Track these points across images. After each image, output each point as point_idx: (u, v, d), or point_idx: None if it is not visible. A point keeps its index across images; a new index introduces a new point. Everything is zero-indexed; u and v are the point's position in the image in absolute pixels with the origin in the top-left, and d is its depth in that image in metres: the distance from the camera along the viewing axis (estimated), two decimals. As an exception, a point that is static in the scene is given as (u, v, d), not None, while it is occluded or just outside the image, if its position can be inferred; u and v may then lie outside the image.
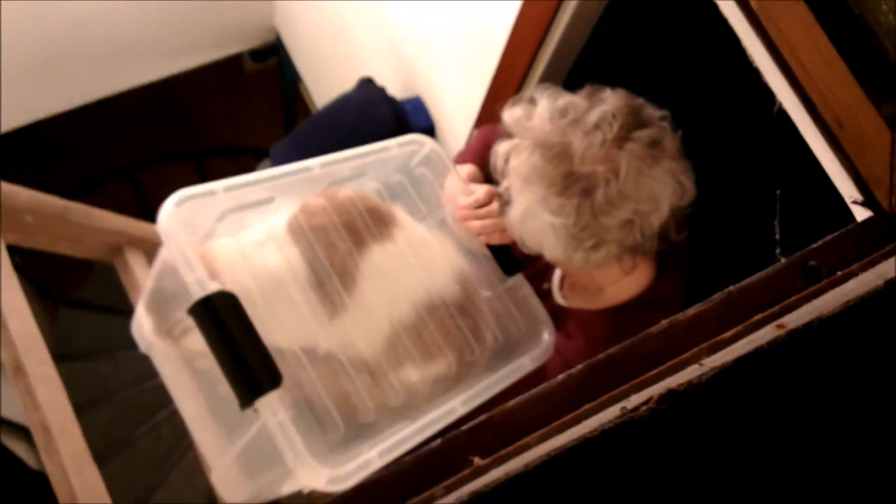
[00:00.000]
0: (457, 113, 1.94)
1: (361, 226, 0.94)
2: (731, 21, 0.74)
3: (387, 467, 0.54)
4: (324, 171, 0.96)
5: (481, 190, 1.04)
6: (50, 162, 3.26)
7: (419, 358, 0.91)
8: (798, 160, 0.75)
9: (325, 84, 2.79)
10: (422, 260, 0.96)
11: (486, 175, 1.14)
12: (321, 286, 0.88)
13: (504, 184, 0.98)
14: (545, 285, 1.15)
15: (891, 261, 0.60)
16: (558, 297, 1.14)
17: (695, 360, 0.63)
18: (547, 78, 1.54)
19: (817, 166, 0.73)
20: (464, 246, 1.05)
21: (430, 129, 2.13)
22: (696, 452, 0.32)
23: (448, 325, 0.94)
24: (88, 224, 1.26)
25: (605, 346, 0.74)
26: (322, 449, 0.77)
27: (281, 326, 0.85)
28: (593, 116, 0.90)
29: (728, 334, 0.64)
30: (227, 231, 0.89)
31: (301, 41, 2.85)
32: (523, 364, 0.98)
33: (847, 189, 0.69)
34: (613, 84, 1.11)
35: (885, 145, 0.62)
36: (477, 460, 0.55)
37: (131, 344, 1.15)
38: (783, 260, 0.67)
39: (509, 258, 1.05)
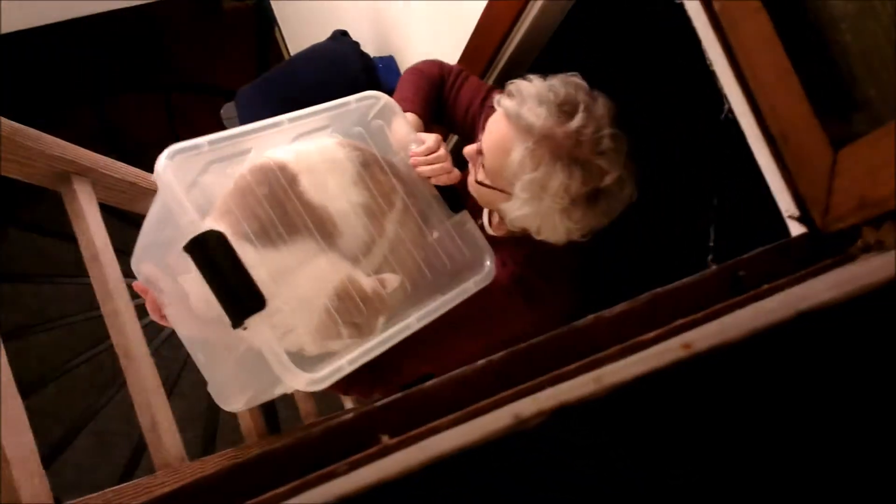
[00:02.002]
0: (429, 77, 1.91)
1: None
2: (693, 21, 0.74)
3: (293, 438, 0.54)
4: (292, 125, 1.09)
5: (431, 139, 1.19)
6: (14, 80, 3.16)
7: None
8: (743, 167, 0.75)
9: (300, 31, 2.73)
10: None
11: (426, 121, 1.32)
12: (266, 232, 1.00)
13: (517, 184, 1.12)
14: (478, 221, 1.31)
15: (814, 282, 0.60)
16: (489, 230, 1.34)
17: (617, 357, 0.63)
18: (519, 54, 1.52)
19: (760, 176, 0.73)
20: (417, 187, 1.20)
21: (401, 90, 2.10)
22: (574, 476, 0.32)
23: (403, 256, 1.12)
24: (37, 149, 1.23)
25: (527, 263, 1.19)
26: (301, 359, 0.95)
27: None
28: (605, 129, 1.07)
29: (651, 335, 0.65)
30: (211, 180, 1.02)
31: (281, -16, 2.78)
32: (468, 287, 1.14)
33: (785, 203, 0.70)
34: (576, 69, 1.13)
35: (825, 165, 0.63)
36: (385, 439, 0.54)
37: (79, 271, 1.21)
38: (714, 267, 0.67)
39: (455, 198, 1.21)
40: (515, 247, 1.26)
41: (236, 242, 0.94)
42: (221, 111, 2.02)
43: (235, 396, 1.14)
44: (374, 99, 1.20)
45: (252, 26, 3.24)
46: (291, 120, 1.08)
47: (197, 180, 1.02)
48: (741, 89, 0.69)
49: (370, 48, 2.12)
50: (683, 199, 1.34)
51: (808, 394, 0.36)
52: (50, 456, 2.69)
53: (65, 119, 3.13)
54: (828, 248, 0.69)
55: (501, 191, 1.16)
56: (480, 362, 0.64)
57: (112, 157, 1.44)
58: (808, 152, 0.64)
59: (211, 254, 0.90)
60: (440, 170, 1.18)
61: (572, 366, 0.52)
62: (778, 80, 0.64)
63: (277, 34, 2.93)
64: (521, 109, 1.09)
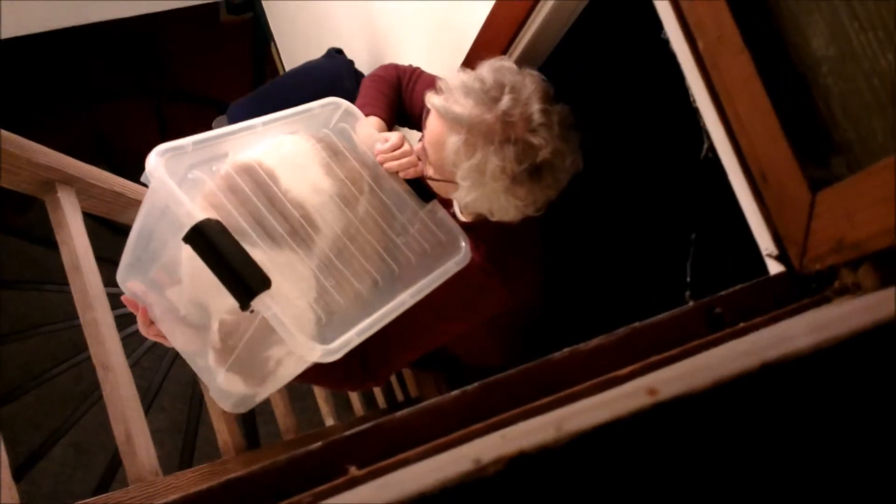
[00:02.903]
0: (421, 97, 1.92)
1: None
2: (679, 58, 0.74)
3: (260, 466, 0.53)
4: (265, 128, 1.17)
5: (394, 136, 1.27)
6: (5, 85, 3.15)
7: (366, 264, 1.16)
8: (725, 204, 0.75)
9: (295, 47, 2.74)
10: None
11: (389, 123, 1.41)
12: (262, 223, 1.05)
13: (459, 173, 1.17)
14: (450, 210, 1.37)
15: (790, 322, 0.60)
16: (460, 217, 1.39)
17: (590, 392, 0.63)
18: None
19: (741, 213, 0.74)
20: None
21: (393, 109, 2.10)
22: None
23: (382, 239, 1.21)
24: (22, 156, 1.22)
25: (497, 242, 1.27)
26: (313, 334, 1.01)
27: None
28: (534, 105, 1.11)
29: (626, 370, 0.65)
30: (193, 182, 1.05)
31: (278, 0, 2.79)
32: (449, 267, 1.22)
33: (764, 241, 0.70)
34: (566, 93, 1.15)
35: (804, 206, 0.63)
36: (353, 470, 0.54)
37: (65, 279, 1.22)
38: (691, 303, 0.67)
39: (424, 189, 1.30)
40: (485, 229, 1.32)
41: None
42: (213, 124, 2.02)
43: (238, 397, 1.18)
44: (334, 105, 1.31)
45: (248, 41, 3.24)
46: (264, 123, 1.17)
47: (186, 177, 1.05)
48: (723, 128, 0.70)
49: (365, 67, 2.13)
50: (663, 233, 1.37)
51: (773, 449, 0.36)
52: (27, 464, 2.66)
53: (55, 126, 3.12)
54: (806, 288, 0.69)
55: (449, 182, 1.22)
56: (454, 393, 0.64)
57: (101, 166, 1.43)
58: (787, 193, 0.64)
59: (212, 240, 0.92)
60: (407, 164, 1.26)
61: (539, 402, 0.52)
62: (758, 121, 0.64)
63: (273, 49, 2.93)
64: (447, 103, 1.15)
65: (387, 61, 2.08)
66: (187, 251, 0.96)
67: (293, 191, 1.10)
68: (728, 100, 0.67)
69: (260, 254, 0.99)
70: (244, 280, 0.91)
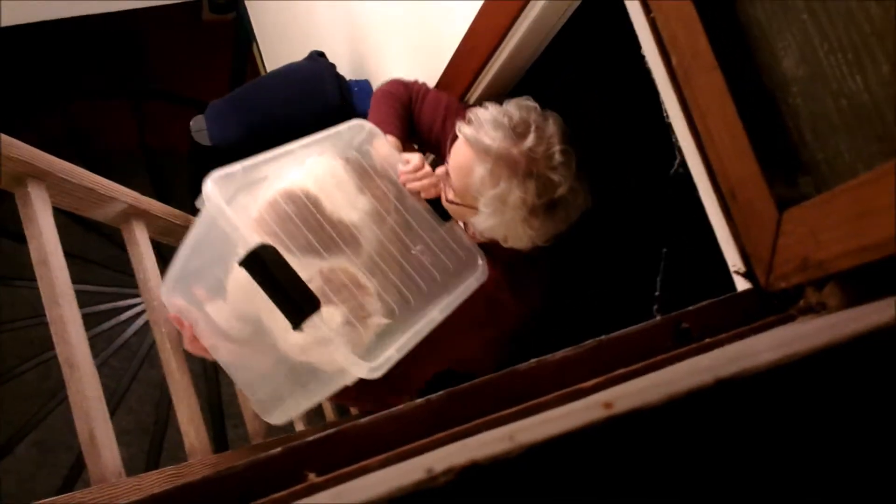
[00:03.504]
0: (401, 103, 1.92)
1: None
2: (654, 74, 0.75)
3: (217, 471, 0.52)
4: (301, 152, 1.24)
5: (416, 157, 1.34)
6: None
7: (398, 282, 1.21)
8: (695, 219, 0.76)
9: (277, 49, 2.73)
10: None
11: (403, 141, 1.45)
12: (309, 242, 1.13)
13: (481, 200, 1.24)
14: (468, 231, 1.43)
15: (754, 339, 0.61)
16: (476, 237, 1.43)
17: (555, 404, 0.63)
18: (494, 86, 1.53)
19: (711, 229, 0.74)
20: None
21: (374, 115, 2.10)
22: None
23: (408, 256, 1.27)
24: (-8, 149, 1.21)
25: (509, 268, 1.35)
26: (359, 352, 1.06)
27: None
28: (556, 146, 1.19)
29: (591, 383, 0.65)
30: (240, 205, 1.12)
31: (261, 1, 2.78)
32: (470, 283, 1.28)
33: (732, 258, 0.70)
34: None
35: (770, 224, 0.63)
36: (312, 476, 0.53)
37: (21, 275, 1.20)
38: (658, 317, 0.67)
39: (443, 208, 1.35)
40: (498, 249, 1.38)
41: (287, 255, 1.03)
42: (191, 123, 2.00)
43: (280, 409, 1.23)
44: (359, 126, 1.36)
45: (230, 41, 3.22)
46: (300, 147, 1.24)
47: (232, 202, 1.10)
48: (695, 144, 0.70)
49: (346, 71, 2.13)
50: (634, 246, 1.40)
51: (725, 464, 0.36)
52: (-11, 462, 2.61)
53: (32, 121, 3.08)
54: (772, 305, 0.69)
55: (469, 207, 1.28)
56: (419, 401, 0.64)
57: (77, 162, 1.41)
58: (755, 211, 0.64)
59: (266, 265, 0.99)
60: (428, 185, 1.33)
61: (504, 412, 0.51)
62: (729, 138, 0.65)
63: (255, 50, 2.92)
64: (478, 134, 1.22)
65: (369, 66, 2.08)
66: (239, 272, 1.01)
67: (335, 212, 1.20)
68: (700, 116, 0.68)
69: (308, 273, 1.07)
70: (296, 302, 0.98)
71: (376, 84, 2.06)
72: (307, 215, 1.15)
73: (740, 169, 0.64)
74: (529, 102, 1.26)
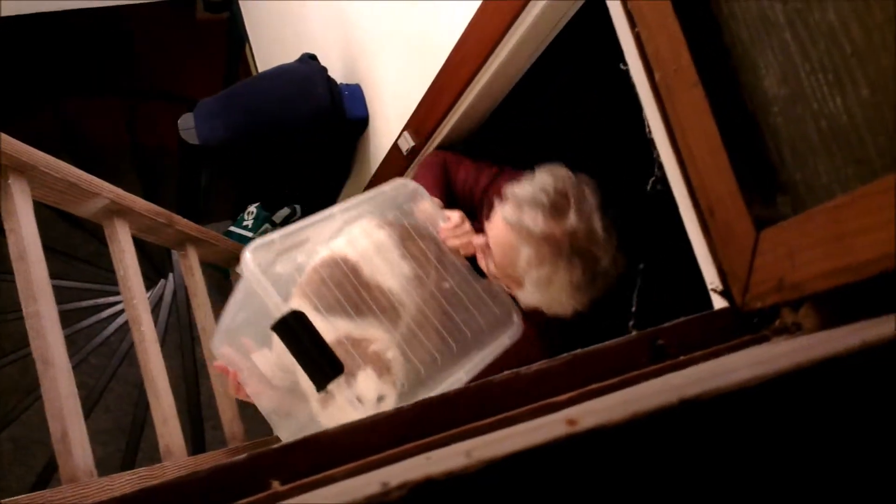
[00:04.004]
0: (392, 109, 1.92)
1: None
2: (637, 88, 0.75)
3: (179, 476, 0.51)
4: (342, 217, 1.29)
5: (455, 215, 1.38)
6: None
7: (428, 343, 1.24)
8: (675, 235, 0.76)
9: (270, 50, 2.72)
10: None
11: (445, 203, 1.49)
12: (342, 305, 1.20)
13: (526, 279, 1.25)
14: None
15: (729, 358, 0.60)
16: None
17: (528, 417, 0.62)
18: (483, 96, 1.53)
19: (689, 246, 0.74)
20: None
21: (364, 120, 2.10)
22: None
23: (442, 317, 1.30)
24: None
25: (542, 324, 1.34)
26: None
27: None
28: (597, 221, 1.20)
29: (564, 397, 0.64)
30: (281, 269, 1.21)
31: (255, 2, 2.77)
32: (503, 341, 1.29)
33: (710, 276, 0.70)
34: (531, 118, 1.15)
35: (748, 243, 0.63)
36: (276, 485, 0.52)
37: (5, 269, 1.21)
38: (634, 333, 0.67)
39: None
40: (532, 309, 1.39)
41: (315, 319, 1.09)
42: (179, 121, 1.99)
43: None
44: (403, 185, 1.42)
45: (223, 40, 3.21)
46: (341, 211, 1.29)
47: (270, 270, 1.19)
48: (676, 160, 0.70)
49: (338, 75, 2.12)
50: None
51: (686, 484, 0.35)
52: (-38, 457, 2.58)
53: (23, 116, 3.06)
54: (748, 324, 0.69)
55: (512, 281, 1.29)
56: (389, 411, 0.63)
57: (66, 159, 1.40)
58: (733, 229, 0.64)
59: (295, 331, 1.06)
60: (467, 242, 1.36)
61: (514, 411, 0.51)
62: (709, 155, 0.64)
63: (248, 51, 2.91)
64: (520, 216, 1.22)
65: (360, 70, 2.08)
66: None
67: (374, 279, 1.25)
68: (681, 132, 0.67)
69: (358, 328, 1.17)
70: (321, 367, 1.06)
71: (367, 89, 2.06)
72: (345, 283, 1.22)
73: (719, 186, 0.64)
74: (563, 172, 1.26)
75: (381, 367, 1.17)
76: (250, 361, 1.21)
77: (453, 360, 1.25)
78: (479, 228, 1.38)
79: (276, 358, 1.19)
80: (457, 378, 1.20)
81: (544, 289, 1.24)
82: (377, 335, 1.21)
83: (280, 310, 1.06)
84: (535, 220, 1.21)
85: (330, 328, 1.16)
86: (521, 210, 1.23)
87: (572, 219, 1.20)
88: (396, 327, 1.23)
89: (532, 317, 1.36)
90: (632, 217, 1.23)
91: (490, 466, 0.30)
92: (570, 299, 1.24)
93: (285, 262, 1.22)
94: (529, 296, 1.28)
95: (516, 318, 1.35)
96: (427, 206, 1.42)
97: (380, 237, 1.31)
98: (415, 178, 1.55)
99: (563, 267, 1.20)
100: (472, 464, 0.30)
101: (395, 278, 1.27)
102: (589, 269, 1.21)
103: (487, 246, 1.32)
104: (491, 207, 1.31)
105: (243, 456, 0.55)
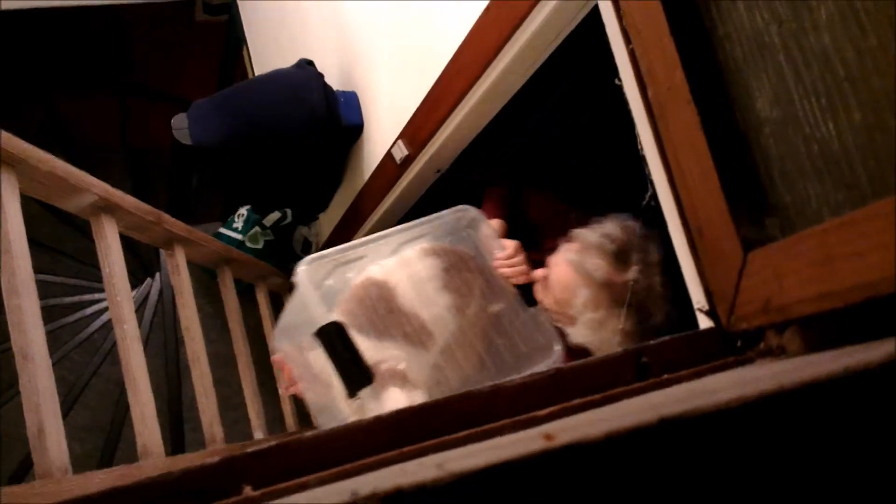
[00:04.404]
0: (387, 117, 1.92)
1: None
2: (631, 105, 0.75)
3: (149, 477, 0.50)
4: (398, 238, 1.38)
5: (511, 246, 1.43)
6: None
7: (465, 364, 1.33)
8: (666, 253, 0.75)
9: (267, 54, 2.72)
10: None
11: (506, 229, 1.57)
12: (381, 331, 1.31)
13: (580, 319, 1.30)
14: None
15: (711, 378, 0.60)
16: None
17: (509, 430, 0.62)
18: (479, 108, 1.53)
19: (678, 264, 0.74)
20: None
21: (359, 127, 2.09)
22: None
23: (485, 345, 1.37)
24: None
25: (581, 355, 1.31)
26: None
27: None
28: (656, 277, 1.23)
29: (545, 412, 0.64)
30: (333, 282, 1.33)
31: (255, 5, 2.77)
32: (541, 368, 1.33)
33: (696, 295, 0.70)
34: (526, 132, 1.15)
35: (735, 264, 0.63)
36: (248, 490, 0.51)
37: None
38: (619, 350, 0.67)
39: (530, 294, 1.42)
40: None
41: (354, 334, 1.21)
42: (172, 121, 1.98)
43: None
44: (464, 211, 1.48)
45: (220, 42, 3.21)
46: (397, 232, 1.38)
47: (323, 282, 1.31)
48: (667, 178, 0.70)
49: (334, 81, 2.12)
50: None
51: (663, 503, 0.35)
52: (-62, 451, 2.54)
53: (15, 109, 3.04)
54: (732, 345, 0.69)
55: (566, 318, 1.33)
56: (369, 418, 0.62)
57: (57, 154, 1.39)
58: (721, 249, 0.64)
59: (333, 339, 1.18)
60: (518, 272, 1.41)
61: (495, 423, 0.50)
62: (699, 174, 0.64)
63: (245, 54, 2.91)
64: (583, 260, 1.27)
65: (357, 78, 2.08)
66: None
67: (408, 303, 1.32)
68: (672, 151, 0.67)
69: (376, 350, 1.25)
70: (353, 375, 1.17)
71: (363, 96, 2.06)
72: (380, 305, 1.31)
73: (709, 206, 0.64)
74: (632, 224, 1.30)
75: (401, 383, 1.25)
76: (305, 359, 1.30)
77: (491, 381, 1.28)
78: (538, 260, 1.43)
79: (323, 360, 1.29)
80: None
81: (595, 331, 1.29)
82: (396, 356, 1.28)
83: (322, 319, 1.18)
84: (598, 266, 1.26)
85: (366, 344, 1.25)
86: (585, 254, 1.28)
87: (634, 271, 1.24)
88: (427, 350, 1.31)
89: (576, 352, 1.41)
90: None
91: (462, 479, 0.30)
92: (618, 345, 1.28)
93: (337, 276, 1.33)
94: (580, 335, 1.32)
95: (557, 348, 1.39)
96: (485, 234, 1.48)
97: (423, 267, 1.38)
98: (483, 203, 1.63)
99: (616, 315, 1.25)
100: (444, 476, 0.29)
101: (430, 307, 1.34)
102: (642, 322, 1.25)
103: (546, 280, 1.37)
104: (555, 245, 1.37)
105: (216, 459, 0.54)
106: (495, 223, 1.55)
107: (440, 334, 1.33)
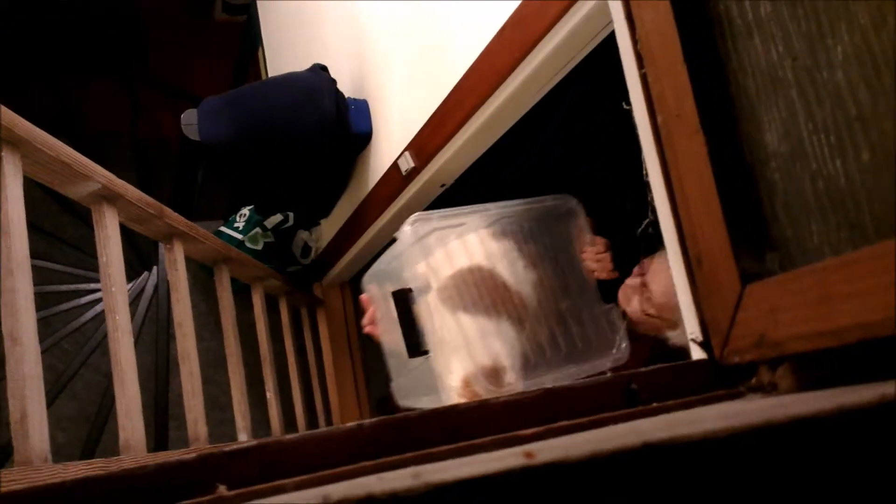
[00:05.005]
0: (396, 128, 1.92)
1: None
2: (639, 130, 0.74)
3: (123, 468, 0.49)
4: (498, 210, 1.44)
5: (601, 242, 1.50)
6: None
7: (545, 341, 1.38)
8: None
9: (282, 57, 2.73)
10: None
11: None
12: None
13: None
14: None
15: (701, 410, 0.59)
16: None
17: (492, 447, 0.61)
18: (488, 126, 1.53)
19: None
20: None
21: (367, 136, 2.10)
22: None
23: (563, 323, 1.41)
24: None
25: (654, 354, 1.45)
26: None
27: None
28: None
29: (530, 431, 0.63)
30: (431, 242, 1.36)
31: (273, 8, 2.78)
32: (604, 363, 1.38)
33: (691, 325, 0.69)
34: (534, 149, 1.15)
35: (732, 296, 0.62)
36: (222, 489, 0.50)
37: None
38: (609, 374, 0.66)
39: (609, 291, 1.48)
40: (649, 341, 1.49)
41: (444, 307, 1.30)
42: (182, 116, 1.99)
43: (408, 399, 1.47)
44: (564, 199, 1.52)
45: (236, 42, 3.22)
46: (497, 207, 1.44)
47: (423, 239, 1.35)
48: (669, 205, 0.69)
49: (346, 88, 2.12)
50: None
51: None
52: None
53: (25, 92, 3.05)
54: (724, 378, 0.68)
55: (667, 323, 1.38)
56: (351, 425, 0.61)
57: (63, 139, 1.39)
58: (719, 280, 0.63)
59: (404, 303, 1.28)
60: (602, 268, 1.48)
61: (477, 440, 0.49)
62: (702, 204, 0.64)
63: (260, 55, 2.92)
64: None
65: (370, 86, 2.08)
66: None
67: (504, 281, 1.38)
68: (678, 178, 0.67)
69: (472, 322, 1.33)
70: (414, 340, 1.28)
71: (374, 105, 2.07)
72: (483, 281, 1.37)
73: (710, 236, 0.63)
74: None
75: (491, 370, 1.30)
76: (387, 306, 1.37)
77: (558, 363, 1.37)
78: (626, 265, 1.48)
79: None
80: (541, 381, 1.29)
81: None
82: (491, 330, 1.35)
83: (408, 279, 1.29)
84: None
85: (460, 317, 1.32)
86: None
87: None
88: (520, 325, 1.36)
89: (647, 352, 1.48)
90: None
91: (436, 491, 0.29)
92: None
93: (438, 238, 1.38)
94: (681, 338, 1.33)
95: (623, 346, 1.43)
96: (579, 225, 1.52)
97: (514, 245, 1.45)
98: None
99: None
100: (418, 486, 0.29)
101: (523, 284, 1.40)
102: None
103: (644, 286, 1.42)
104: (654, 250, 1.40)
105: (193, 455, 0.53)
106: (590, 220, 1.59)
107: (527, 308, 1.39)
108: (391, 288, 1.39)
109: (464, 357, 1.30)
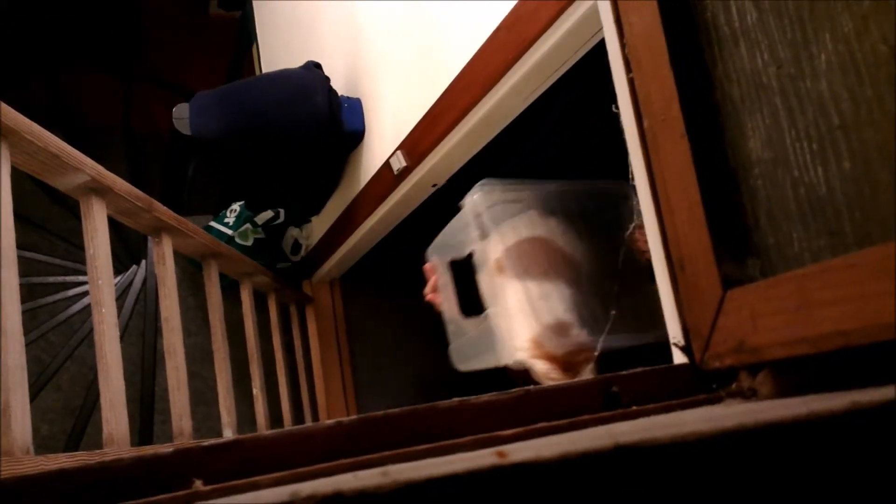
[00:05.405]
0: (389, 127, 1.92)
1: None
2: (626, 134, 0.75)
3: (100, 461, 0.49)
4: (559, 186, 1.48)
5: None
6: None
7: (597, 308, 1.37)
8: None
9: (276, 53, 2.72)
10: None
11: None
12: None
13: None
14: None
15: (680, 415, 0.59)
16: None
17: (470, 447, 0.61)
18: (480, 127, 1.54)
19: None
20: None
21: (359, 134, 2.10)
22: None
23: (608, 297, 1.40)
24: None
25: None
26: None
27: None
28: None
29: (509, 432, 0.63)
30: (495, 213, 1.40)
31: (269, 4, 2.78)
32: (647, 338, 1.38)
33: (673, 329, 0.69)
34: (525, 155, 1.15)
35: (713, 302, 0.63)
36: (198, 484, 0.50)
37: None
38: (590, 376, 0.66)
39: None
40: None
41: (504, 274, 1.34)
42: (174, 110, 1.98)
43: (466, 363, 1.49)
44: (620, 184, 1.71)
45: (231, 37, 3.22)
46: (558, 184, 1.48)
47: (487, 209, 1.39)
48: (654, 209, 0.70)
49: (340, 86, 2.12)
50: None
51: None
52: None
53: (18, 84, 3.03)
54: (705, 383, 0.68)
55: None
56: (330, 422, 0.61)
57: (55, 131, 1.38)
58: (700, 285, 0.64)
59: (461, 271, 1.36)
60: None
61: (453, 440, 0.49)
62: (686, 208, 0.64)
63: (255, 51, 2.91)
64: None
65: (363, 85, 2.08)
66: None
67: (562, 252, 1.41)
68: (662, 182, 0.67)
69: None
70: (469, 301, 1.37)
71: (367, 104, 2.06)
72: (534, 248, 1.40)
73: (693, 241, 0.64)
74: None
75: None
76: (449, 274, 1.44)
77: (615, 328, 1.40)
78: None
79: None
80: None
81: None
82: (551, 292, 1.37)
83: (469, 248, 1.34)
84: None
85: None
86: None
87: None
88: (573, 286, 1.39)
89: None
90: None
91: (405, 489, 0.29)
92: None
93: (501, 210, 1.42)
94: None
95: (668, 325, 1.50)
96: (634, 207, 1.56)
97: (570, 219, 1.47)
98: None
99: None
100: (387, 483, 0.29)
101: (578, 255, 1.43)
102: None
103: None
104: None
105: (169, 450, 0.53)
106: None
107: (585, 279, 1.42)
108: (453, 257, 1.45)
109: (528, 318, 1.32)
